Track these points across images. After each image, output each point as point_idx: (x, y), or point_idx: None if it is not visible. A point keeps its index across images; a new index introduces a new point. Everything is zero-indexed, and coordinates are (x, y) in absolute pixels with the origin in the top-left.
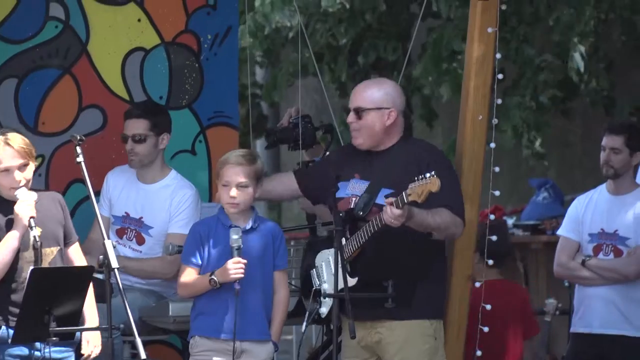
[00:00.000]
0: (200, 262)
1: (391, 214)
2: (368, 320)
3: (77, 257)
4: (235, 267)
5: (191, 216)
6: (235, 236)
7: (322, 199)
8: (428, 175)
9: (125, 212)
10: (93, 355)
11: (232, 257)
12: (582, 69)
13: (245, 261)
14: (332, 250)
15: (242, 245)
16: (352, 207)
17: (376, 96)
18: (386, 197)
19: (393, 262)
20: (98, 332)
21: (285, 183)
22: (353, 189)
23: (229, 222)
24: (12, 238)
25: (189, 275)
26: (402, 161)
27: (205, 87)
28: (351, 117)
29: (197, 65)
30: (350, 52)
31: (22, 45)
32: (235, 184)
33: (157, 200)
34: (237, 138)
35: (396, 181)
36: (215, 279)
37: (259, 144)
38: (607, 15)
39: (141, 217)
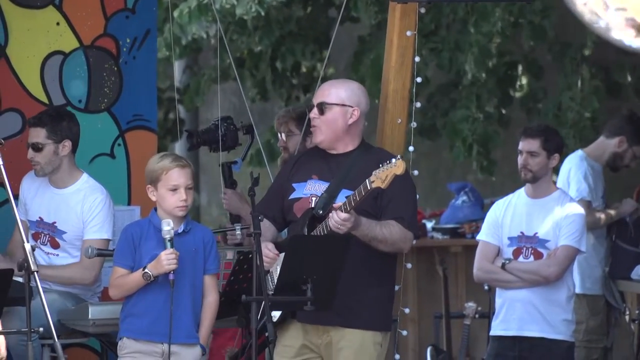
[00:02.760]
0: (132, 263)
1: (337, 218)
2: (319, 324)
3: None
4: (168, 258)
5: (104, 220)
6: (167, 227)
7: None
8: (394, 160)
9: (39, 217)
10: None
11: (164, 248)
12: None
13: (178, 253)
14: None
15: (174, 238)
16: (312, 206)
17: (341, 93)
18: (347, 197)
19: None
20: (2, 337)
21: (269, 230)
22: (312, 189)
23: (160, 223)
24: None
25: (120, 275)
26: (362, 166)
27: (124, 90)
28: (313, 113)
29: (116, 68)
30: (271, 57)
31: None
32: (185, 187)
33: (69, 205)
34: (156, 141)
35: (356, 184)
36: (149, 272)
37: (177, 147)
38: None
39: (54, 222)
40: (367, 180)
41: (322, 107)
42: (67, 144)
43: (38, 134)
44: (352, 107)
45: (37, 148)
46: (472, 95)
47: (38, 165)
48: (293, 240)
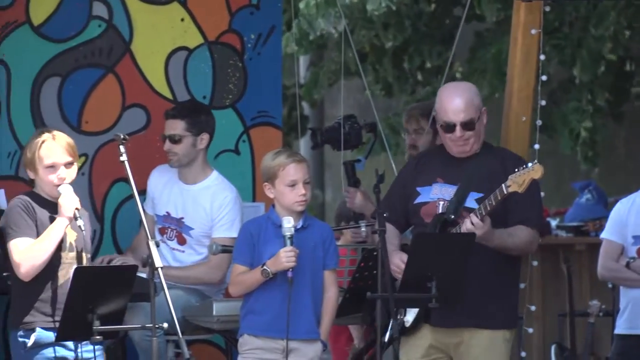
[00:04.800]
0: (251, 260)
1: (469, 225)
2: (452, 327)
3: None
4: (287, 255)
5: (233, 219)
6: (287, 225)
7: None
8: (530, 164)
9: (167, 212)
10: None
11: (284, 245)
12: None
13: (297, 250)
14: None
15: (294, 234)
16: (441, 211)
17: (475, 101)
18: (477, 200)
19: (472, 270)
20: None
21: (396, 235)
22: (438, 193)
23: (280, 220)
24: (57, 229)
25: (240, 272)
26: (488, 168)
27: (249, 86)
28: (459, 132)
29: (240, 64)
30: (394, 53)
31: (65, 44)
32: (302, 181)
33: (198, 202)
34: (281, 138)
35: (484, 186)
36: (268, 269)
37: (303, 144)
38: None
39: (182, 218)
40: (503, 185)
41: (471, 124)
42: (205, 137)
43: (176, 126)
44: (483, 108)
45: (175, 140)
46: (584, 89)
47: (175, 157)
48: (418, 238)
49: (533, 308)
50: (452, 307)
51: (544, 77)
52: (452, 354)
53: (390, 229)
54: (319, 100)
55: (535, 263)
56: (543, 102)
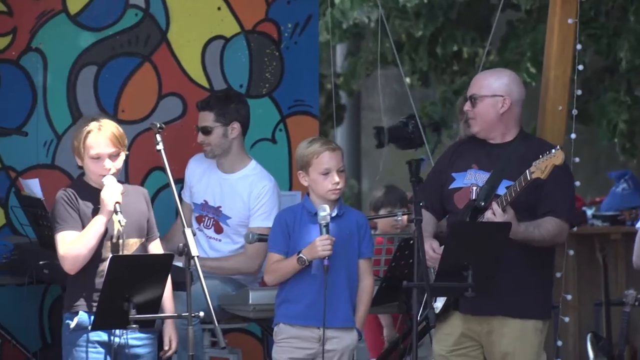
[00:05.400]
0: (286, 248)
1: (490, 215)
2: (481, 314)
3: (157, 252)
4: (323, 244)
5: (271, 209)
6: (323, 213)
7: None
8: (553, 150)
9: (204, 200)
10: (171, 352)
11: (320, 234)
12: None
13: (333, 238)
14: None
15: (329, 222)
16: (473, 197)
17: (492, 84)
18: (507, 188)
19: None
20: (174, 331)
21: (430, 222)
22: (472, 178)
23: (314, 209)
24: (98, 223)
25: (275, 260)
26: (521, 156)
27: (286, 75)
28: (467, 106)
29: (277, 54)
30: (430, 42)
31: (102, 32)
32: (336, 170)
33: (236, 191)
34: (318, 127)
35: (516, 174)
36: (304, 257)
37: (339, 133)
38: None
39: (219, 207)
40: (527, 171)
41: (473, 100)
42: (236, 126)
43: (207, 118)
44: (502, 96)
45: (206, 131)
46: (623, 80)
47: (208, 147)
48: (454, 227)
49: (569, 297)
50: (488, 296)
51: (580, 67)
52: (483, 343)
53: (425, 216)
54: (357, 89)
55: (571, 252)
56: (579, 92)
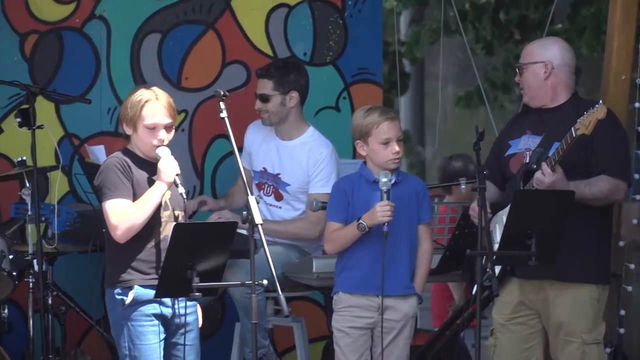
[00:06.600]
0: (345, 216)
1: (539, 176)
2: (535, 279)
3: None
4: (383, 210)
5: (330, 174)
6: (384, 179)
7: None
8: (597, 105)
9: (263, 167)
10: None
11: (381, 199)
12: None
13: (393, 204)
14: (506, 210)
15: (390, 189)
16: (526, 161)
17: (534, 52)
18: (556, 149)
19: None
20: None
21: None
22: (526, 144)
23: (373, 176)
24: (157, 193)
25: (335, 229)
26: (573, 117)
27: (349, 43)
28: (517, 77)
29: (341, 22)
30: (494, 10)
31: (166, 1)
32: (396, 139)
33: (294, 158)
34: (381, 95)
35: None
36: (364, 222)
37: (403, 101)
38: None
39: (278, 174)
40: (572, 128)
41: (520, 69)
42: (294, 95)
43: (265, 86)
44: (543, 62)
45: (265, 99)
46: None
47: (266, 114)
48: (518, 195)
49: (632, 267)
50: (551, 264)
51: None
52: (540, 312)
53: (487, 186)
54: (420, 57)
55: (635, 221)
56: None
